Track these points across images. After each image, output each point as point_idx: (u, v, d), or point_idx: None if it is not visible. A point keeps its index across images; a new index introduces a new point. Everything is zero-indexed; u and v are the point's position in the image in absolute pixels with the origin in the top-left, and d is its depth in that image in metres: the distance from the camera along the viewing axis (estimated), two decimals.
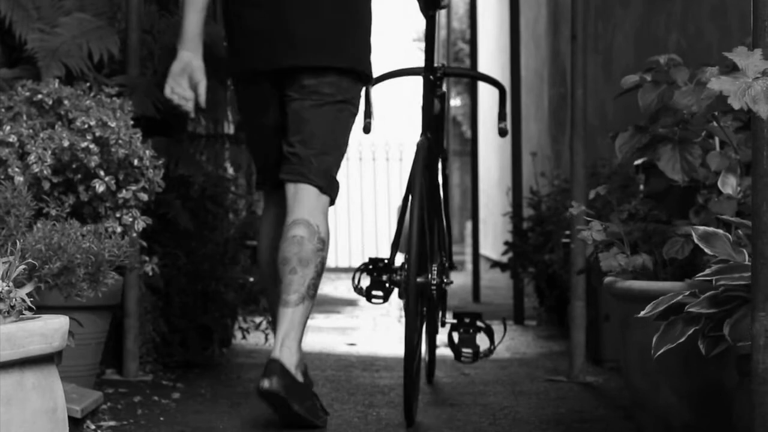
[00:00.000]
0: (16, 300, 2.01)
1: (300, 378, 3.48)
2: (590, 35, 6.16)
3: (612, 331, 4.65)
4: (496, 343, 3.95)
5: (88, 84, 4.06)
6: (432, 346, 4.18)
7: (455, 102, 13.92)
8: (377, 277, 3.88)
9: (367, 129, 3.90)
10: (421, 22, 15.32)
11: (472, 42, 8.81)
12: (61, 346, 2.03)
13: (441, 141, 3.99)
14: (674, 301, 2.66)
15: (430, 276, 3.68)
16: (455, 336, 3.99)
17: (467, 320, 4.00)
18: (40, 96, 3.73)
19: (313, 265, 3.51)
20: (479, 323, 3.97)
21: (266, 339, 5.27)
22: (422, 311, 3.72)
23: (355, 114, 3.70)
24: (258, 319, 5.34)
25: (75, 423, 3.17)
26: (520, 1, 7.02)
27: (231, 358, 5.03)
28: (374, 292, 3.91)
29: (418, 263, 3.51)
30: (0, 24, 4.47)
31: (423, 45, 4.06)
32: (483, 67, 9.98)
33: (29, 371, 1.96)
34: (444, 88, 3.95)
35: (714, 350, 2.55)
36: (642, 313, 2.69)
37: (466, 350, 3.93)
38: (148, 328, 4.45)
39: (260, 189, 3.91)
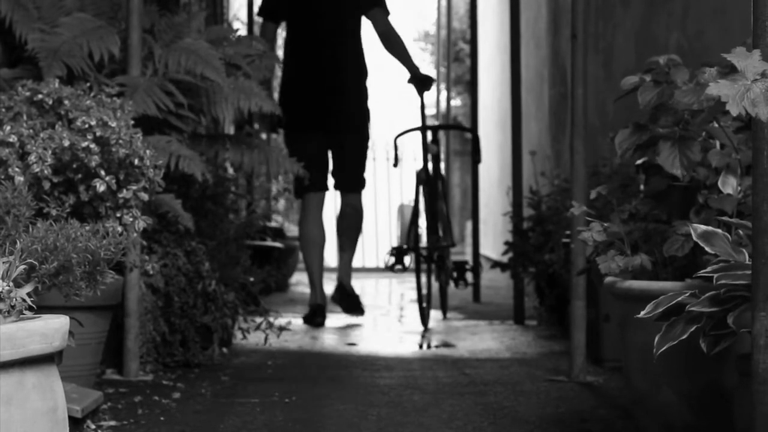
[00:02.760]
0: (16, 300, 2.01)
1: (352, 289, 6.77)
2: (591, 35, 6.16)
3: (612, 331, 4.65)
4: (477, 278, 7.36)
5: (88, 84, 4.06)
6: (444, 290, 6.70)
7: (455, 102, 13.90)
8: (398, 257, 6.65)
9: (395, 164, 6.74)
10: (422, 22, 15.37)
11: (473, 42, 8.81)
12: (62, 345, 2.03)
13: (438, 168, 6.58)
14: (675, 302, 2.66)
15: (439, 240, 6.48)
16: (455, 274, 6.62)
17: (461, 265, 6.69)
18: (40, 96, 3.73)
19: (357, 229, 6.70)
20: (466, 266, 6.69)
21: (266, 339, 5.27)
22: (432, 263, 6.52)
23: (368, 146, 6.68)
24: (258, 320, 5.34)
25: (75, 423, 3.17)
26: (520, 1, 7.01)
27: (231, 358, 5.03)
28: (396, 266, 6.64)
29: (418, 234, 6.65)
30: (0, 24, 4.47)
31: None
32: (483, 66, 9.97)
33: (29, 371, 1.96)
34: (439, 136, 6.71)
35: (715, 348, 2.55)
36: (642, 314, 2.69)
37: (461, 282, 6.66)
38: (149, 328, 4.45)
39: (302, 192, 6.46)
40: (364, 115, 6.52)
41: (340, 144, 6.45)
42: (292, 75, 6.35)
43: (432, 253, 6.48)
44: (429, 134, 6.60)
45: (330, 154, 6.50)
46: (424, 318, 6.34)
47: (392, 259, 6.75)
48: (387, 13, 6.44)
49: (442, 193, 6.67)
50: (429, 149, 6.54)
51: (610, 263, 3.11)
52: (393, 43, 6.43)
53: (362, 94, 6.48)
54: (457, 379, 4.50)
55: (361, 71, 6.48)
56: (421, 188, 6.52)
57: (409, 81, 6.55)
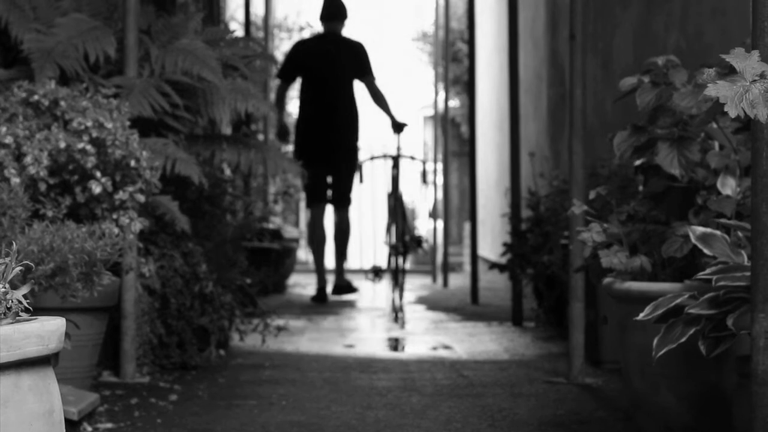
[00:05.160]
0: (12, 301, 2.00)
1: (348, 281, 8.75)
2: (589, 35, 6.16)
3: (611, 333, 4.64)
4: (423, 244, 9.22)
5: (84, 85, 4.05)
6: (400, 292, 7.78)
7: (454, 103, 13.88)
8: (377, 273, 8.32)
9: (360, 181, 8.61)
10: (420, 22, 15.36)
11: (471, 42, 8.81)
12: (58, 347, 2.02)
13: (398, 182, 8.22)
14: (674, 303, 2.65)
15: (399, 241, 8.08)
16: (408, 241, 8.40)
17: (417, 239, 8.48)
18: (36, 97, 3.72)
19: (347, 238, 8.72)
20: (420, 238, 8.54)
21: (263, 341, 5.26)
22: (396, 263, 7.93)
23: (355, 173, 8.61)
24: (255, 321, 5.33)
25: (72, 425, 3.16)
26: (518, 1, 7.00)
27: (228, 360, 5.02)
28: (375, 279, 8.31)
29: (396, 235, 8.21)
30: None
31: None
32: (481, 67, 9.98)
33: (26, 373, 1.95)
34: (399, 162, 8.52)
35: (714, 351, 2.54)
36: (641, 316, 2.68)
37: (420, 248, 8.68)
38: (145, 330, 4.43)
39: (311, 204, 8.67)
40: (355, 150, 8.76)
41: (336, 171, 8.65)
42: (305, 118, 8.60)
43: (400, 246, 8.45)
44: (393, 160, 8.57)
45: (329, 179, 8.61)
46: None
47: (373, 275, 8.71)
48: (374, 78, 8.68)
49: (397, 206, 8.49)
50: (393, 174, 8.57)
51: (612, 257, 3.11)
52: (379, 99, 8.69)
53: (355, 134, 8.73)
54: (456, 381, 4.49)
55: (355, 116, 8.70)
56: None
57: (392, 126, 8.66)
